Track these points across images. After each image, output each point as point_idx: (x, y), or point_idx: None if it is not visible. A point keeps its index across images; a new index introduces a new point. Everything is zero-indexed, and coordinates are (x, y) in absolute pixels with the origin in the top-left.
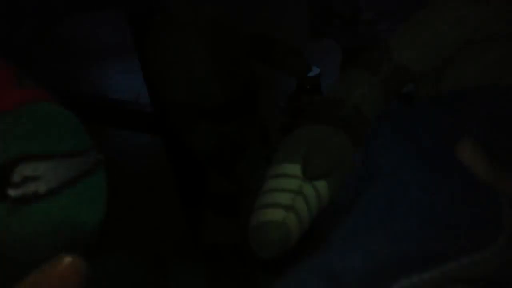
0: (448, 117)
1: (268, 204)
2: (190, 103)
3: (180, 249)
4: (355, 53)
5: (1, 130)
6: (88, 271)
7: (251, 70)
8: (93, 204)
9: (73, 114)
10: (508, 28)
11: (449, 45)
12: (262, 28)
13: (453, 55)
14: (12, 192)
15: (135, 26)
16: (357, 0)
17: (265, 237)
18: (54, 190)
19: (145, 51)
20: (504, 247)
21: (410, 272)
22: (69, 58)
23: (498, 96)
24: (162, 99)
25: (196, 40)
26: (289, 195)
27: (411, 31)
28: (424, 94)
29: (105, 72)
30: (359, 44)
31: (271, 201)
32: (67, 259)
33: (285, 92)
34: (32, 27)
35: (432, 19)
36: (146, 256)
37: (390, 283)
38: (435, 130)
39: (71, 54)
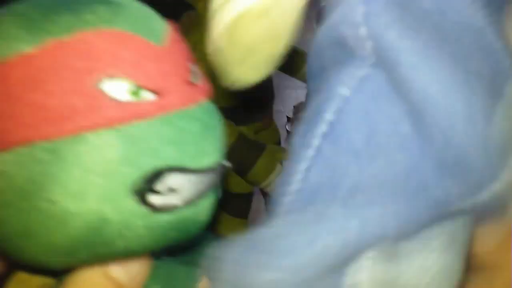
0: None
1: None
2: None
3: None
4: None
5: (166, 133)
6: None
7: (270, 76)
8: (208, 211)
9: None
10: None
11: None
12: None
13: None
14: (155, 200)
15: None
16: None
17: None
18: (187, 202)
19: None
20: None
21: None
22: None
23: None
24: None
25: None
26: None
27: None
28: None
29: None
30: None
31: None
32: None
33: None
34: None
35: None
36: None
37: None
38: None
39: None
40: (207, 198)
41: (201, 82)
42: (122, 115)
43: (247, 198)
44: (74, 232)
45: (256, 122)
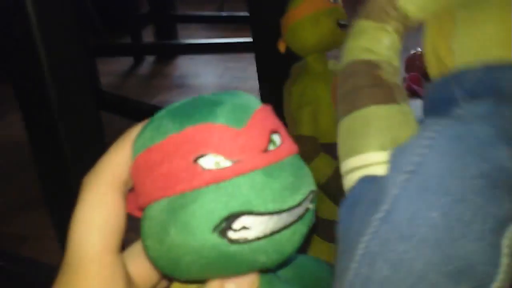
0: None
1: None
2: (315, 138)
3: None
4: None
5: (242, 187)
6: None
7: None
8: (287, 248)
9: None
10: None
11: None
12: None
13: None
14: (231, 235)
15: None
16: None
17: None
18: (259, 238)
19: (284, 92)
20: None
21: None
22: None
23: None
24: (292, 132)
25: (324, 87)
26: None
27: None
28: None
29: None
30: None
31: None
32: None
33: None
34: None
35: None
36: None
37: None
38: None
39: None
40: (294, 228)
41: (284, 144)
42: (212, 178)
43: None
44: (199, 259)
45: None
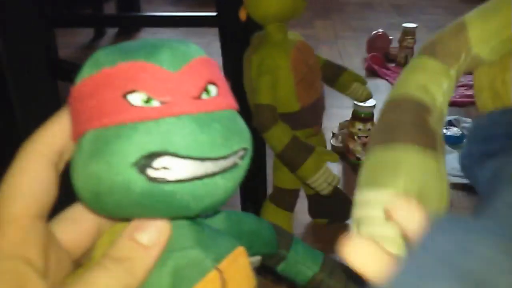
0: None
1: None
2: (273, 106)
3: None
4: None
5: (167, 130)
6: None
7: (322, 90)
8: (214, 197)
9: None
10: None
11: None
12: None
13: None
14: (151, 173)
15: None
16: None
17: None
18: (179, 180)
19: (244, 61)
20: None
21: None
22: None
23: None
24: (252, 100)
25: (284, 57)
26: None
27: (487, 18)
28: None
29: None
30: None
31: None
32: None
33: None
34: None
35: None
36: None
37: None
38: None
39: None
40: (216, 179)
41: (220, 97)
42: (137, 115)
43: (294, 193)
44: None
45: (308, 129)
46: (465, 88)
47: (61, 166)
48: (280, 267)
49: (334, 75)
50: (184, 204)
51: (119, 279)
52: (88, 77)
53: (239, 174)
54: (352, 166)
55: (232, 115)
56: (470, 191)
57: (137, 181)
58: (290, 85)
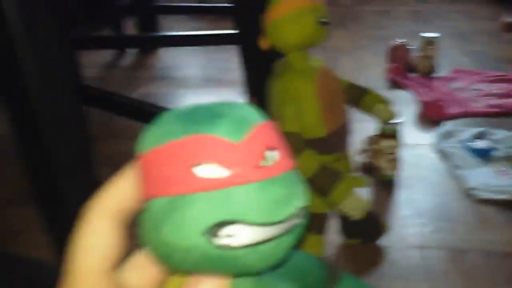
0: None
1: None
2: (299, 133)
3: None
4: None
5: (234, 199)
6: None
7: (347, 114)
8: (271, 258)
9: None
10: None
11: None
12: None
13: None
14: (217, 241)
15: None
16: None
17: None
18: (243, 246)
19: (269, 88)
20: None
21: None
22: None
23: None
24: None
25: (307, 85)
26: None
27: None
28: None
29: None
30: None
31: None
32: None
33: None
34: None
35: None
36: None
37: None
38: None
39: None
40: (280, 240)
41: (277, 162)
42: (206, 185)
43: (324, 216)
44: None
45: (336, 153)
46: (490, 97)
47: (127, 221)
48: None
49: (357, 97)
50: (248, 265)
51: None
52: (155, 147)
53: (299, 232)
54: (381, 182)
55: (291, 175)
56: (503, 206)
57: (206, 249)
58: (316, 113)
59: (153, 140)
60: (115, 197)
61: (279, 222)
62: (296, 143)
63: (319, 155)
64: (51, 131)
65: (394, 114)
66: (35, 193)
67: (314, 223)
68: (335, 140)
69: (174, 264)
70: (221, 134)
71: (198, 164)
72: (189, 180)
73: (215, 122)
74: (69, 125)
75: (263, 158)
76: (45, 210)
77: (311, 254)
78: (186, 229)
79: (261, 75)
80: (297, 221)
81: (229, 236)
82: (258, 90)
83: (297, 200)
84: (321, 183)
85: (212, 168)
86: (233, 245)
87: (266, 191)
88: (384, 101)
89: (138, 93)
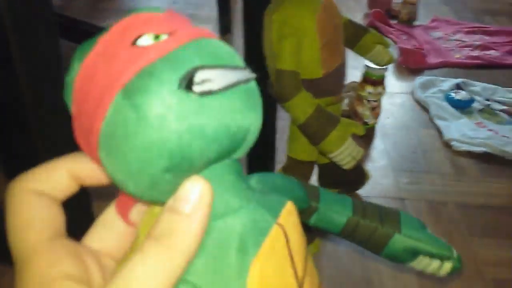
0: None
1: None
2: (297, 72)
3: None
4: None
5: (193, 52)
6: None
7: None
8: (253, 108)
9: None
10: None
11: None
12: None
13: None
14: (196, 89)
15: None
16: None
17: None
18: (223, 88)
19: (265, 20)
20: None
21: None
22: None
23: None
24: (272, 65)
25: (309, 16)
26: None
27: None
28: None
29: None
30: None
31: None
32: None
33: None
34: None
35: None
36: None
37: None
38: None
39: None
40: (246, 89)
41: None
42: (154, 53)
43: (310, 165)
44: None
45: (330, 97)
46: (470, 48)
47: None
48: (313, 220)
49: (357, 36)
50: (232, 117)
51: (161, 262)
52: (86, 57)
53: (256, 87)
54: None
55: (217, 41)
56: (479, 158)
57: (189, 100)
58: (315, 49)
59: (78, 60)
60: (45, 182)
61: (238, 67)
62: (292, 83)
63: (316, 98)
64: (23, 60)
65: (392, 58)
66: None
67: (299, 171)
68: (331, 82)
69: (154, 175)
70: (143, 12)
71: (138, 37)
72: (137, 55)
73: (132, 12)
74: (43, 55)
75: (190, 23)
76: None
77: (289, 176)
78: (159, 91)
79: (253, 12)
80: (251, 75)
81: (205, 81)
82: (250, 28)
83: (239, 57)
84: (315, 128)
85: (154, 35)
86: (213, 89)
87: (212, 43)
88: (385, 43)
89: (105, 26)
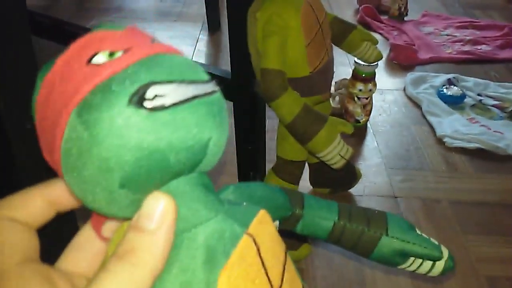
0: None
1: None
2: (283, 71)
3: None
4: None
5: (145, 67)
6: None
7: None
8: (214, 120)
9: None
10: None
11: None
12: None
13: None
14: (147, 104)
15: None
16: None
17: None
18: (177, 104)
19: (248, 18)
20: None
21: None
22: None
23: None
24: (257, 64)
25: (294, 14)
26: None
27: None
28: None
29: None
30: None
31: None
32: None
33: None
34: None
35: None
36: None
37: None
38: None
39: None
40: (205, 101)
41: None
42: (108, 71)
43: (300, 165)
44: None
45: (317, 95)
46: (461, 43)
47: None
48: (299, 227)
49: (343, 33)
50: (187, 131)
51: (126, 279)
52: (44, 78)
53: (220, 99)
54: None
55: (178, 57)
56: (472, 155)
57: (140, 116)
58: (301, 47)
59: (42, 75)
60: (20, 210)
61: (195, 81)
62: (278, 82)
63: (302, 97)
64: None
65: (380, 55)
66: None
67: (289, 171)
68: (318, 80)
69: (110, 190)
70: (103, 29)
71: (94, 54)
72: (91, 73)
73: (92, 30)
74: (17, 57)
75: (152, 38)
76: None
77: (270, 184)
78: (109, 108)
79: (237, 10)
80: (214, 88)
81: (157, 97)
82: (235, 26)
83: (201, 71)
84: (302, 128)
85: (108, 53)
86: (165, 104)
87: (170, 58)
88: (372, 39)
89: (91, 25)
